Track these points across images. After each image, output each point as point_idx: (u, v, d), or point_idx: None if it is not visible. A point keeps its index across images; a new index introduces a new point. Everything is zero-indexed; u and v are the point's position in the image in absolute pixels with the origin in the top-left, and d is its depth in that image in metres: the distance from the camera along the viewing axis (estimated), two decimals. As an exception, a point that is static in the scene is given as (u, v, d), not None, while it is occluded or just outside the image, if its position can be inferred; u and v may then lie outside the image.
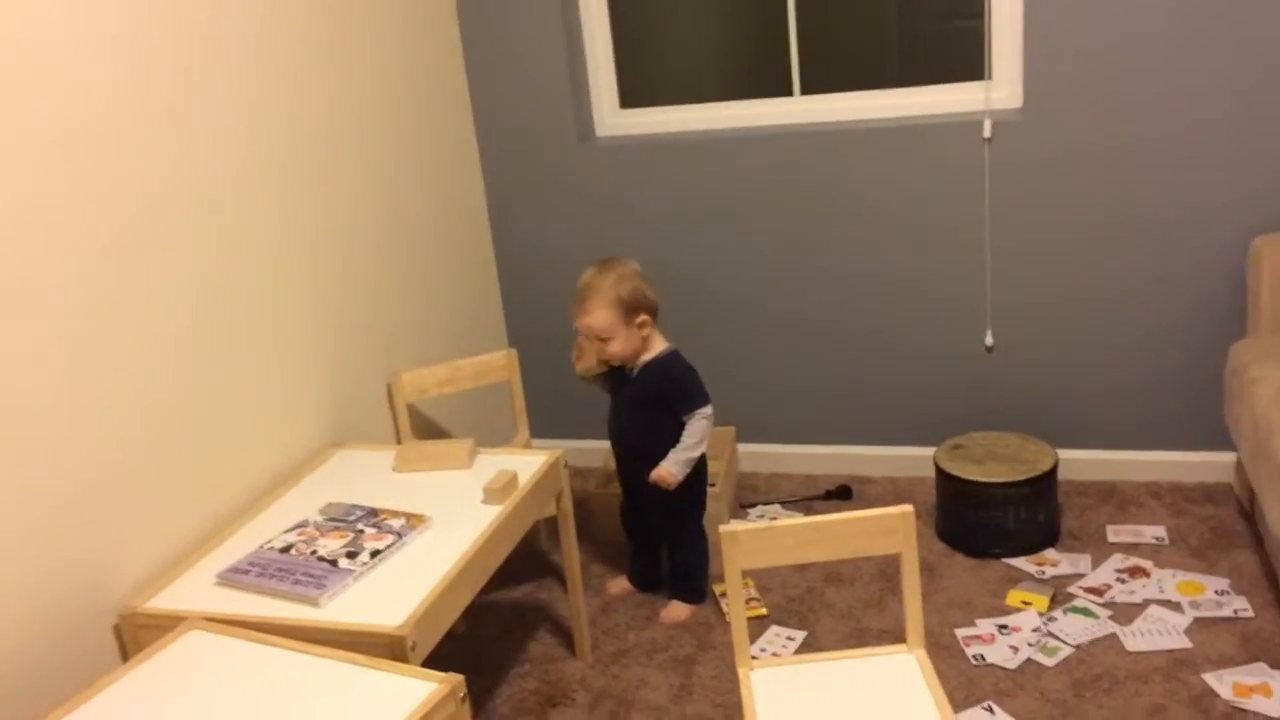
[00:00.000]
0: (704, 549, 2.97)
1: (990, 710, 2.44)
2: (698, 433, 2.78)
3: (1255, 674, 2.45)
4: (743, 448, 3.66)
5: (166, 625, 2.03)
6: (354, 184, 2.95)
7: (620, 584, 3.04)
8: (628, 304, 2.68)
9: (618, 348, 2.72)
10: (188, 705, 1.80)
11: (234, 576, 2.13)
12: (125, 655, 2.10)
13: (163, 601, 2.11)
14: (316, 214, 2.78)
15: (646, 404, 2.80)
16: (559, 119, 3.52)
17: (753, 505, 3.45)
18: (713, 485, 3.30)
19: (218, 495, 2.41)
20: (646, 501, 2.89)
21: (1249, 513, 3.06)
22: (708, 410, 2.79)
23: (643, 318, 2.71)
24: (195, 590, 2.14)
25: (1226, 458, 3.22)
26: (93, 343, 2.07)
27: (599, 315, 2.68)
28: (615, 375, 2.85)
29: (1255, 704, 2.36)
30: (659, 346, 2.79)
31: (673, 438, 2.79)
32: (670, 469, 2.76)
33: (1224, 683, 2.44)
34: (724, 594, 2.93)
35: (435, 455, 2.58)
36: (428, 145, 3.33)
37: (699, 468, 2.87)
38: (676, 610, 2.91)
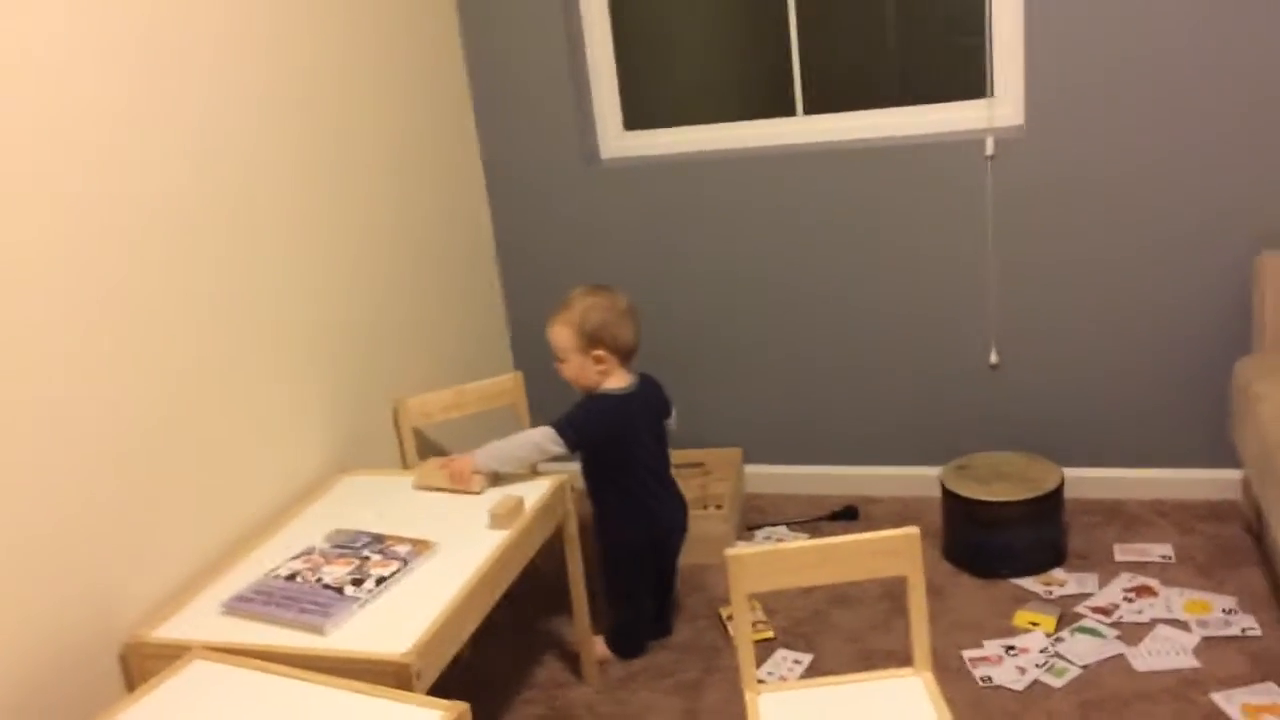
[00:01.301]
0: (630, 609, 2.83)
1: (999, 732, 2.43)
2: (524, 441, 2.60)
3: (1264, 694, 2.44)
4: (749, 469, 3.66)
5: (172, 655, 2.03)
6: (359, 208, 2.96)
7: (602, 644, 2.87)
8: (589, 334, 2.63)
9: (568, 372, 2.69)
10: (193, 735, 1.80)
11: (239, 605, 2.13)
12: (131, 685, 2.10)
13: (168, 631, 2.11)
14: (321, 238, 2.79)
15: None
16: (564, 141, 3.53)
17: (759, 527, 3.44)
18: (719, 507, 3.30)
19: (223, 523, 2.41)
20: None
21: (1256, 530, 3.05)
22: (551, 434, 2.58)
23: (600, 352, 2.64)
24: (201, 619, 2.14)
25: (1233, 475, 3.21)
26: (98, 370, 2.08)
27: (557, 332, 2.66)
28: None
29: (1265, 724, 2.35)
30: (613, 384, 2.69)
31: (595, 476, 2.74)
32: (472, 456, 2.58)
33: (1233, 703, 2.42)
34: (730, 617, 2.93)
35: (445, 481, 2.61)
36: (433, 169, 3.34)
37: (633, 521, 2.74)
38: (600, 648, 2.85)
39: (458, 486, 2.57)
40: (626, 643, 2.86)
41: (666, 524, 2.81)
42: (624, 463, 2.71)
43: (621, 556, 2.79)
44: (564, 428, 2.60)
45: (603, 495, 2.76)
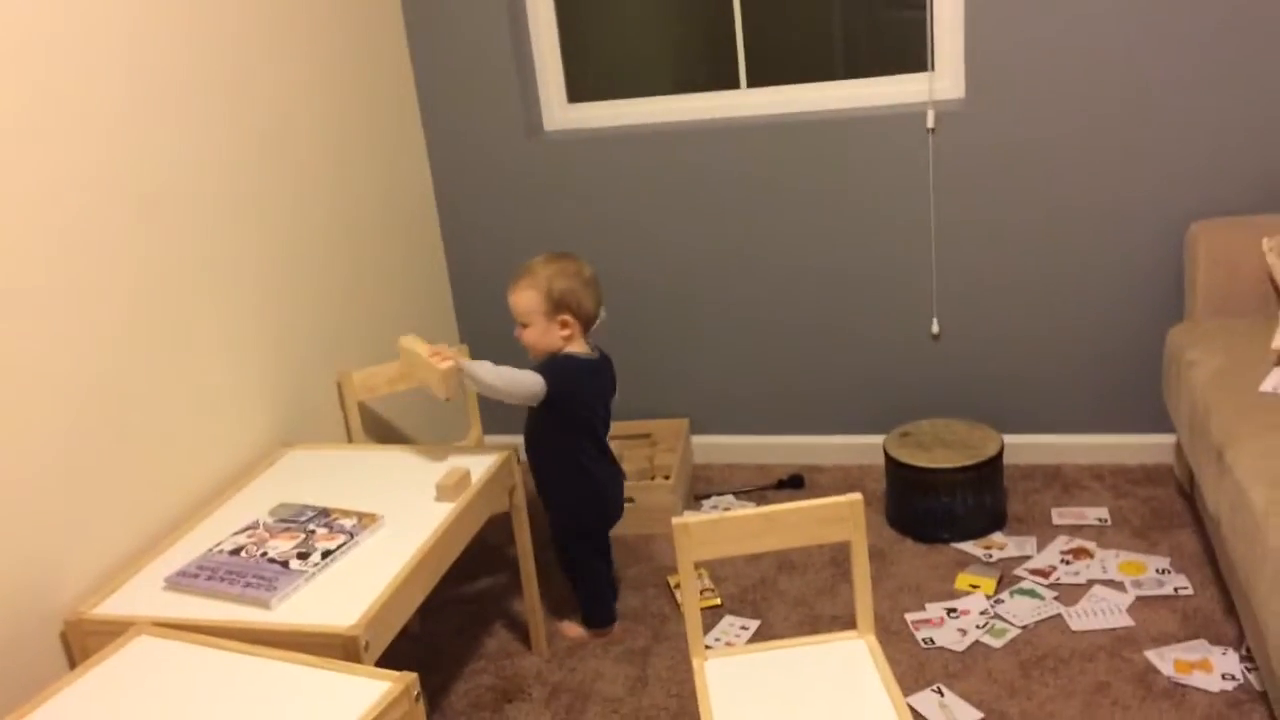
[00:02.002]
0: (593, 581, 2.85)
1: (940, 693, 2.48)
2: (511, 371, 2.57)
3: (1196, 650, 2.52)
4: (696, 439, 3.69)
5: (115, 631, 2.01)
6: (298, 178, 2.92)
7: (573, 627, 2.88)
8: (556, 299, 2.61)
9: (531, 337, 2.64)
10: (138, 712, 1.78)
11: (183, 581, 2.11)
12: (73, 662, 2.08)
13: (110, 607, 2.08)
14: (260, 208, 2.75)
15: (533, 412, 2.70)
16: (507, 113, 3.51)
17: (706, 496, 3.47)
18: (666, 478, 3.32)
19: (165, 497, 2.38)
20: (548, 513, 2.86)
21: (1188, 493, 3.13)
22: (536, 375, 2.58)
23: (565, 317, 2.62)
24: (144, 595, 2.12)
25: (1166, 439, 3.29)
26: (33, 340, 2.04)
27: (524, 296, 2.62)
28: None
29: (1196, 679, 2.42)
30: (575, 350, 2.67)
31: (552, 442, 2.70)
32: (461, 362, 2.54)
33: (1165, 659, 2.50)
34: (678, 585, 2.95)
35: (422, 372, 2.60)
36: (373, 139, 3.31)
37: (591, 492, 2.76)
38: (571, 627, 2.87)
39: (433, 359, 2.52)
40: (602, 610, 2.86)
41: (614, 496, 2.82)
42: (581, 428, 2.70)
43: (578, 526, 2.80)
44: (545, 373, 2.59)
45: (554, 465, 2.74)
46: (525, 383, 2.58)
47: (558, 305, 2.62)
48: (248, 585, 2.06)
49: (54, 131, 2.11)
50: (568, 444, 2.71)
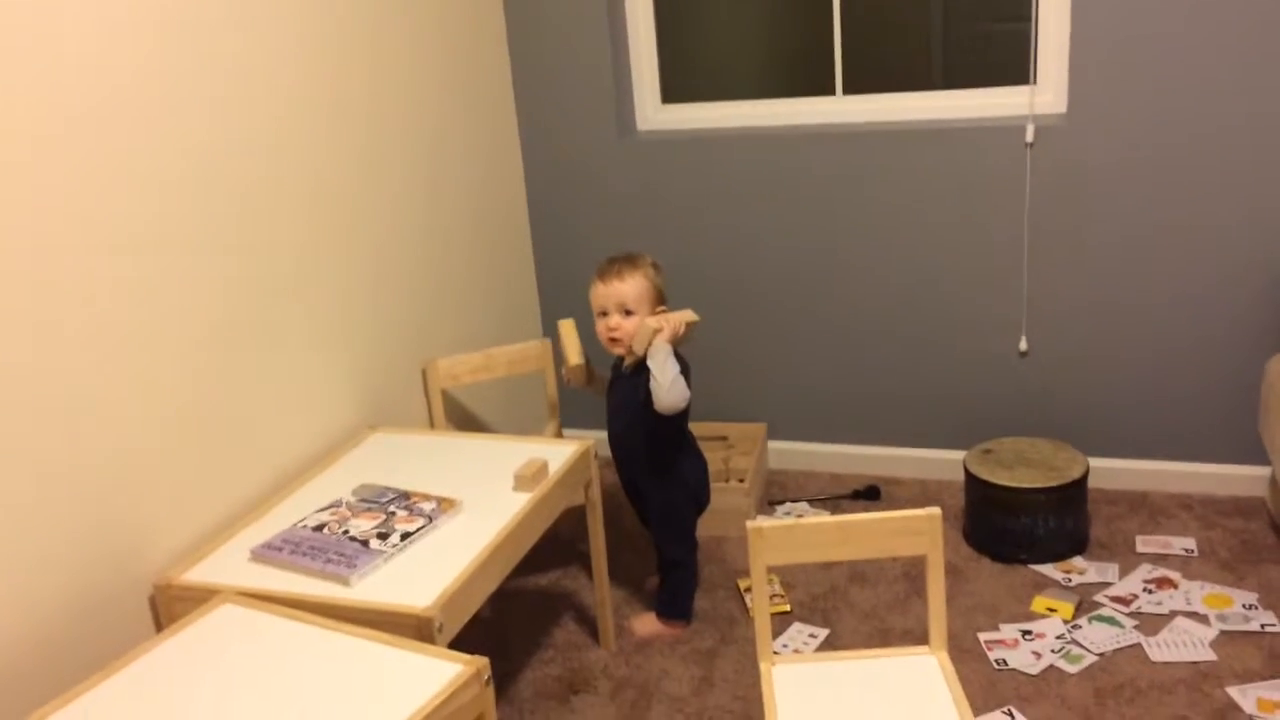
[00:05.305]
0: (693, 568, 2.88)
1: (1010, 715, 2.44)
2: (674, 370, 2.57)
3: (1281, 690, 2.44)
4: (772, 445, 3.67)
5: (200, 598, 2.07)
6: (394, 170, 2.98)
7: (642, 624, 2.87)
8: (659, 290, 2.69)
9: (630, 326, 2.64)
10: (218, 677, 1.84)
11: (267, 553, 2.17)
12: (159, 626, 2.15)
13: (197, 575, 2.15)
14: (356, 198, 2.82)
15: (642, 403, 2.65)
16: (601, 113, 3.54)
17: (780, 502, 3.46)
18: (741, 481, 3.32)
19: (254, 473, 2.45)
20: (644, 508, 2.87)
21: (1281, 528, 3.04)
22: (684, 387, 2.58)
23: (663, 309, 2.68)
24: (229, 565, 2.18)
25: (1260, 472, 3.19)
26: (135, 318, 2.12)
27: (634, 284, 2.63)
28: (612, 378, 2.82)
29: (1279, 720, 2.35)
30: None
31: (664, 435, 2.71)
32: (658, 339, 2.57)
33: (1248, 697, 2.42)
34: (748, 589, 2.95)
35: (567, 340, 2.79)
36: (469, 134, 3.36)
37: (686, 484, 2.80)
38: (648, 623, 2.85)
39: (675, 324, 2.58)
40: (684, 603, 2.87)
41: (705, 481, 2.87)
42: (684, 418, 2.73)
43: (690, 512, 2.83)
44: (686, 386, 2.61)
45: (669, 453, 2.76)
46: (681, 386, 2.58)
47: (659, 296, 2.69)
48: (329, 561, 2.11)
49: (160, 128, 2.18)
50: (681, 431, 2.75)
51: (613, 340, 2.68)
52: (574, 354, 2.79)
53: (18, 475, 1.88)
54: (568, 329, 2.83)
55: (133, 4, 2.09)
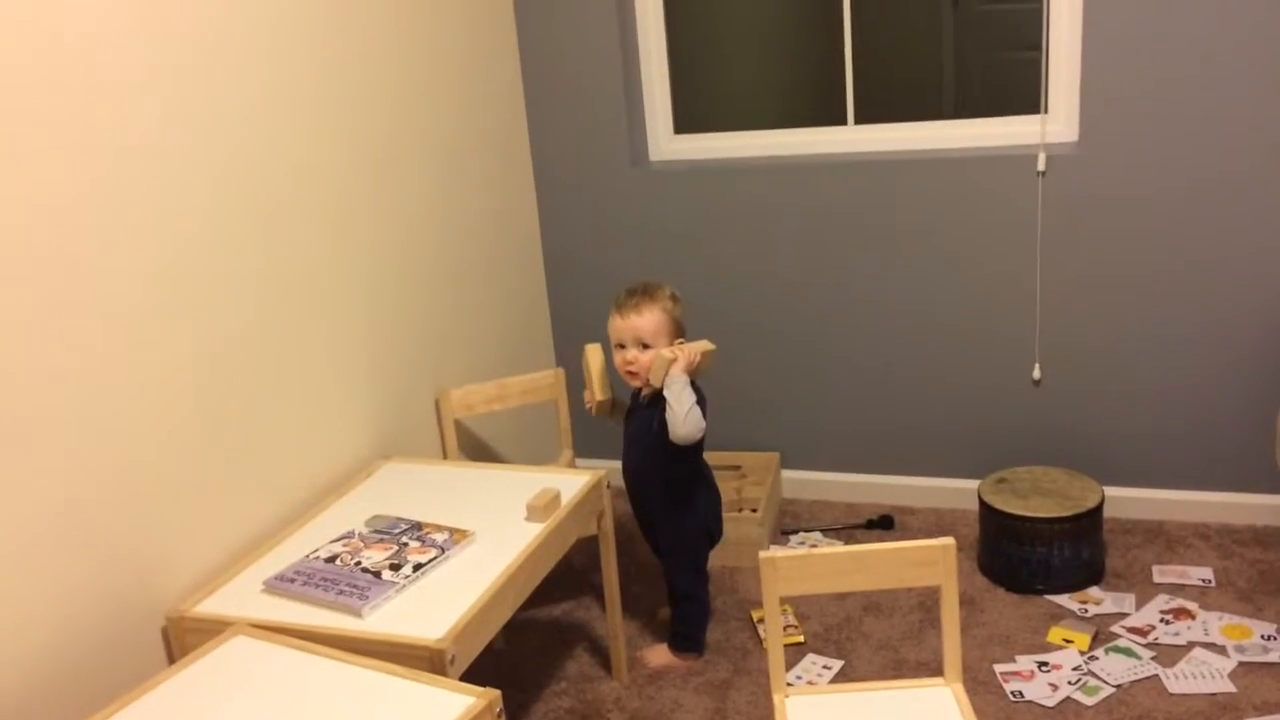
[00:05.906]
0: (705, 600, 2.88)
1: (1027, 748, 2.42)
2: (689, 400, 2.57)
3: (1301, 723, 2.41)
4: (786, 474, 3.66)
5: (213, 630, 2.07)
6: (409, 199, 3.00)
7: (654, 655, 2.86)
8: (677, 322, 2.69)
9: (647, 359, 2.64)
10: (231, 709, 1.84)
11: (280, 584, 2.17)
12: (172, 658, 2.15)
13: (210, 606, 2.16)
14: (370, 230, 2.84)
15: (656, 434, 2.65)
16: (613, 143, 3.56)
17: (794, 532, 3.45)
18: (754, 510, 3.31)
19: (267, 503, 2.46)
20: (656, 539, 2.86)
21: (1300, 558, 3.01)
22: (699, 418, 2.59)
23: (682, 341, 2.68)
24: (242, 596, 2.18)
25: (1278, 500, 3.16)
26: (151, 349, 2.13)
27: (653, 317, 2.63)
28: (630, 408, 2.82)
29: (1301, 753, 2.32)
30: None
31: (678, 467, 2.71)
32: (674, 369, 2.58)
33: (1269, 730, 2.40)
34: (761, 620, 2.93)
35: (593, 370, 2.77)
36: (483, 163, 3.38)
37: (700, 517, 2.79)
38: (661, 655, 2.83)
39: (690, 354, 2.60)
40: (697, 635, 2.86)
41: (718, 514, 2.85)
42: (699, 449, 2.72)
43: (702, 545, 2.81)
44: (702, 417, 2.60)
45: (684, 485, 2.76)
46: (696, 416, 2.58)
47: (677, 328, 2.68)
48: (341, 593, 2.11)
49: (186, 156, 2.21)
50: (687, 466, 2.74)
51: (630, 374, 2.69)
52: (599, 389, 2.77)
53: (30, 507, 1.89)
54: (595, 357, 2.79)
55: (166, 35, 2.12)
